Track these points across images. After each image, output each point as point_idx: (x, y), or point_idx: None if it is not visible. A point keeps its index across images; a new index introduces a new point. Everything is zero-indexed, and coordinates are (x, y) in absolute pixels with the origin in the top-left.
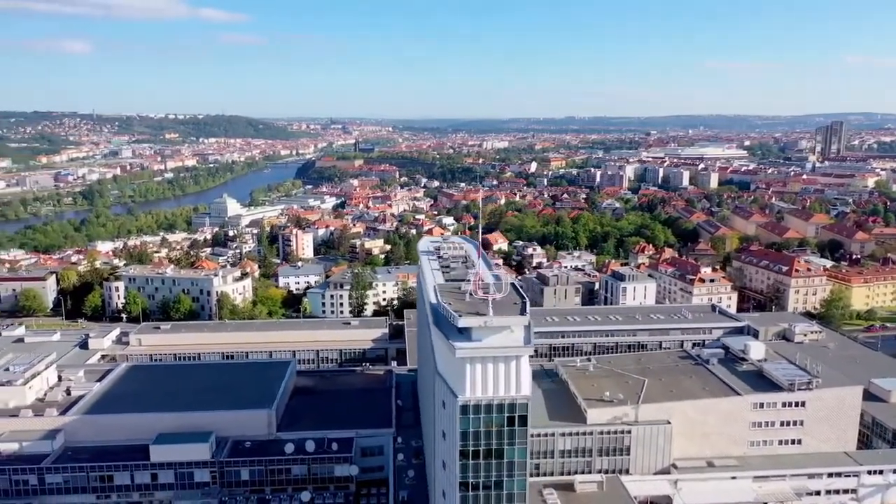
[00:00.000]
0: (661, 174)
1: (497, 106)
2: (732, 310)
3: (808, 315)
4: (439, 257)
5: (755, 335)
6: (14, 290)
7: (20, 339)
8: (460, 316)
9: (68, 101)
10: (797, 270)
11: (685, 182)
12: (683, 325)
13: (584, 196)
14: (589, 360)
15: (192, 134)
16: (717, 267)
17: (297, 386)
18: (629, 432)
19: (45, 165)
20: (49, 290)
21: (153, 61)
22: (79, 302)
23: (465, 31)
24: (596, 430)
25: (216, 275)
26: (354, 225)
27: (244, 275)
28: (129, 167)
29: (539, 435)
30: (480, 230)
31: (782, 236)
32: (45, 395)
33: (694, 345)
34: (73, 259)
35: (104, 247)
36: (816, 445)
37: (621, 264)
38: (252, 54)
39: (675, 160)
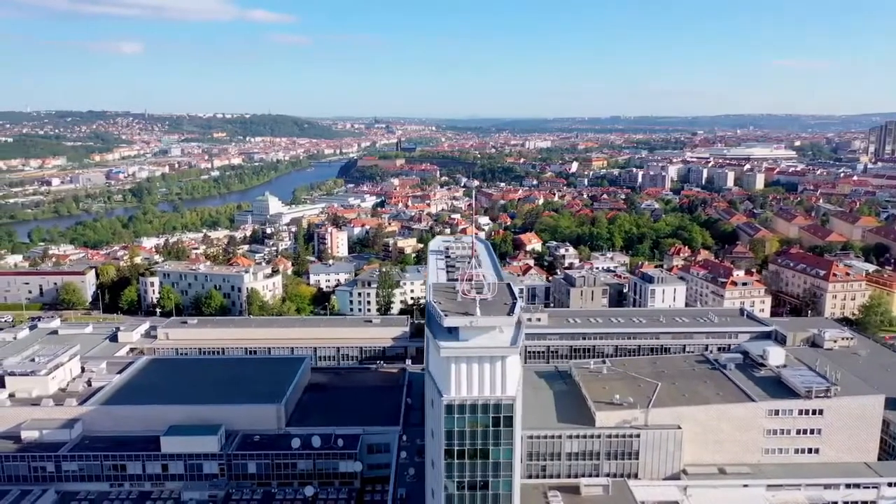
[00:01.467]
0: (705, 175)
1: (541, 105)
2: (766, 314)
3: (846, 321)
4: (447, 257)
5: (783, 341)
6: (55, 283)
7: (54, 332)
8: (446, 315)
9: (122, 100)
10: (835, 275)
11: (730, 183)
12: (708, 328)
13: (623, 196)
14: (604, 362)
15: (240, 133)
16: (754, 270)
17: (311, 382)
18: (638, 436)
19: (98, 163)
20: (88, 285)
21: (203, 62)
22: (116, 296)
23: (510, 31)
24: (604, 433)
25: (247, 271)
26: (390, 224)
27: (275, 272)
28: (177, 165)
29: (545, 436)
30: (475, 229)
31: (825, 239)
32: (67, 385)
33: (719, 349)
34: (119, 255)
35: (149, 243)
36: (835, 455)
37: (655, 266)
38: (299, 54)
39: (721, 160)
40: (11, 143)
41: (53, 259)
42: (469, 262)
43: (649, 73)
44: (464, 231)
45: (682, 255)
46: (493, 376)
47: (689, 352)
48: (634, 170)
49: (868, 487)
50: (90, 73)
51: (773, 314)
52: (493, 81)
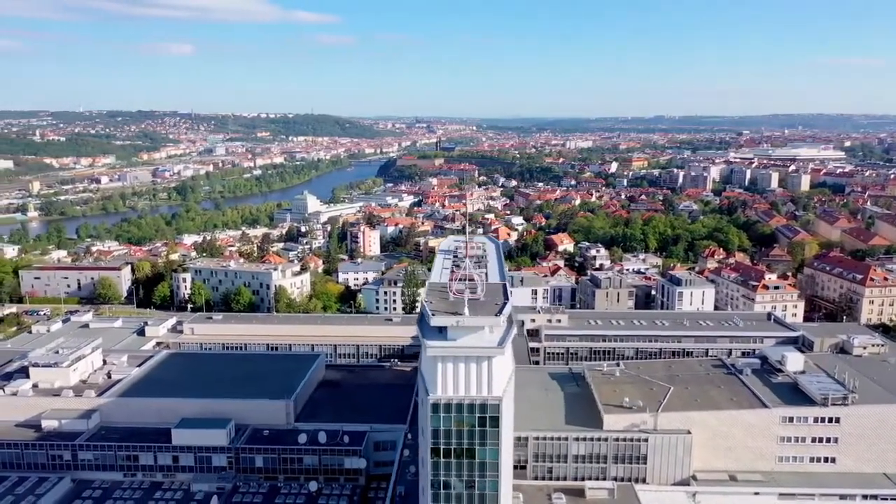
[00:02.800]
0: (748, 176)
1: (584, 105)
2: (798, 319)
3: (884, 328)
4: (455, 256)
5: (810, 346)
6: (92, 278)
7: (85, 325)
8: (434, 314)
9: (170, 101)
10: (872, 279)
11: (774, 184)
12: (732, 333)
13: (661, 197)
14: (618, 364)
15: (282, 132)
16: (790, 274)
17: (325, 379)
18: (646, 440)
19: (146, 162)
20: (124, 280)
21: (248, 62)
22: (150, 292)
23: (553, 30)
24: (611, 436)
25: (275, 269)
26: (423, 223)
27: (303, 269)
28: (221, 164)
29: (552, 438)
30: (467, 229)
31: (868, 243)
32: (89, 377)
33: (742, 354)
34: (160, 251)
35: (189, 240)
36: (852, 465)
37: (687, 269)
38: (341, 54)
39: (765, 161)
40: (64, 142)
41: (95, 255)
42: (482, 262)
43: (695, 71)
44: (496, 231)
45: (716, 257)
46: (479, 376)
47: (711, 356)
48: (675, 170)
49: (887, 499)
50: (140, 74)
51: (806, 319)
52: (535, 81)
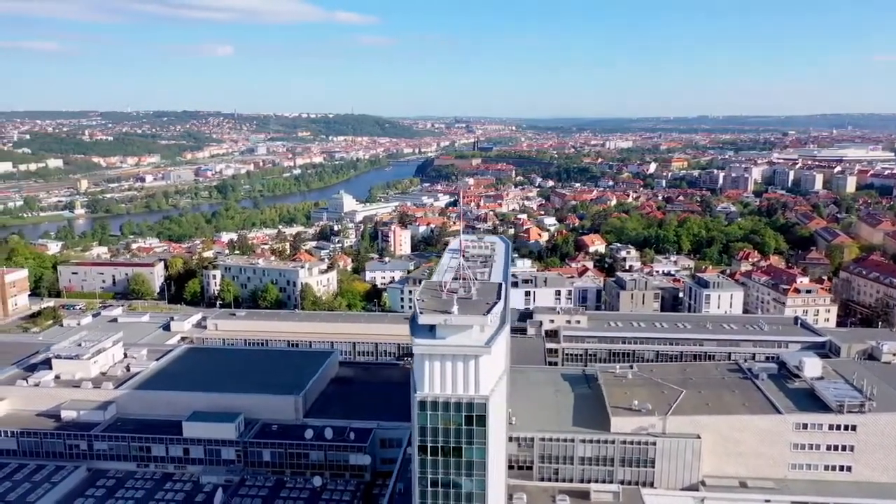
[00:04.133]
0: (791, 177)
1: (625, 105)
2: (830, 324)
3: None
4: (462, 255)
5: (836, 352)
6: (126, 274)
7: (114, 319)
8: (421, 312)
9: (214, 101)
10: None
11: (818, 186)
12: (756, 337)
13: (699, 199)
14: (631, 367)
15: (323, 132)
16: (826, 278)
17: (338, 376)
18: (654, 444)
19: (189, 161)
20: (156, 276)
21: (290, 63)
22: (181, 288)
23: (593, 29)
24: (618, 439)
25: (302, 267)
26: (455, 223)
27: (330, 268)
28: (261, 163)
29: (558, 439)
30: (462, 229)
31: None
32: (108, 369)
33: (767, 358)
34: (198, 248)
35: (226, 237)
36: (869, 474)
37: (719, 271)
38: (382, 55)
39: (810, 162)
40: (112, 141)
41: (132, 251)
42: (488, 262)
43: (739, 70)
44: (527, 232)
45: (750, 259)
46: (466, 375)
47: (733, 360)
48: (716, 171)
49: None
50: (186, 76)
51: (840, 324)
52: (576, 81)
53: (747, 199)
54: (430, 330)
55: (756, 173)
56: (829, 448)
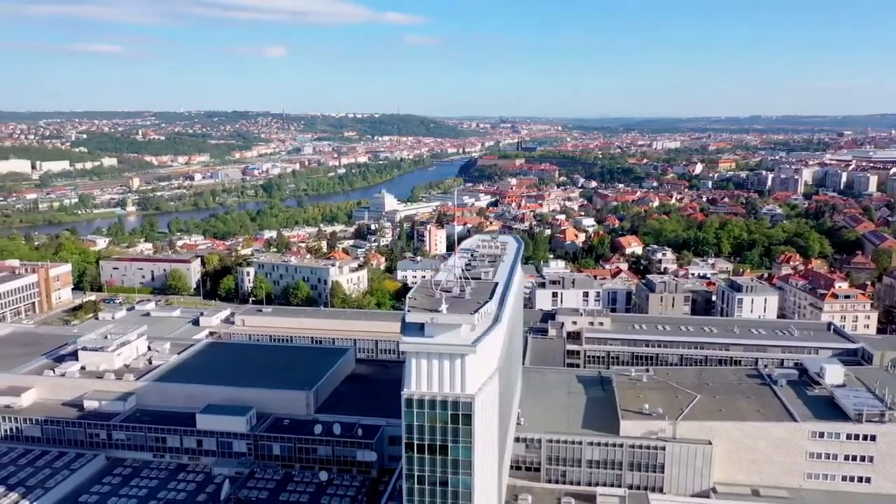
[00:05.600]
0: (843, 179)
1: (674, 105)
2: (870, 331)
3: None
4: (472, 254)
5: (869, 359)
6: (165, 270)
7: (147, 314)
8: (409, 310)
9: (263, 101)
10: None
11: (871, 188)
12: (785, 342)
13: (744, 200)
14: (647, 370)
15: (369, 132)
16: (871, 283)
17: (353, 373)
18: (663, 448)
19: (237, 160)
20: (193, 272)
21: (337, 64)
22: (217, 284)
23: (642, 28)
24: (627, 442)
25: (333, 265)
26: (492, 223)
27: (360, 266)
28: (307, 163)
29: (565, 441)
30: (456, 228)
31: None
32: (131, 362)
33: (795, 364)
34: (240, 245)
35: (268, 235)
36: (890, 487)
37: (758, 275)
38: (429, 55)
39: (864, 163)
40: (164, 140)
41: (174, 248)
42: (496, 261)
43: (794, 68)
44: (563, 233)
45: (791, 263)
46: (452, 374)
47: (753, 366)
48: (764, 172)
49: None
50: (237, 76)
51: (880, 331)
52: (624, 80)
53: (795, 201)
54: (420, 328)
55: (807, 175)
56: (846, 458)
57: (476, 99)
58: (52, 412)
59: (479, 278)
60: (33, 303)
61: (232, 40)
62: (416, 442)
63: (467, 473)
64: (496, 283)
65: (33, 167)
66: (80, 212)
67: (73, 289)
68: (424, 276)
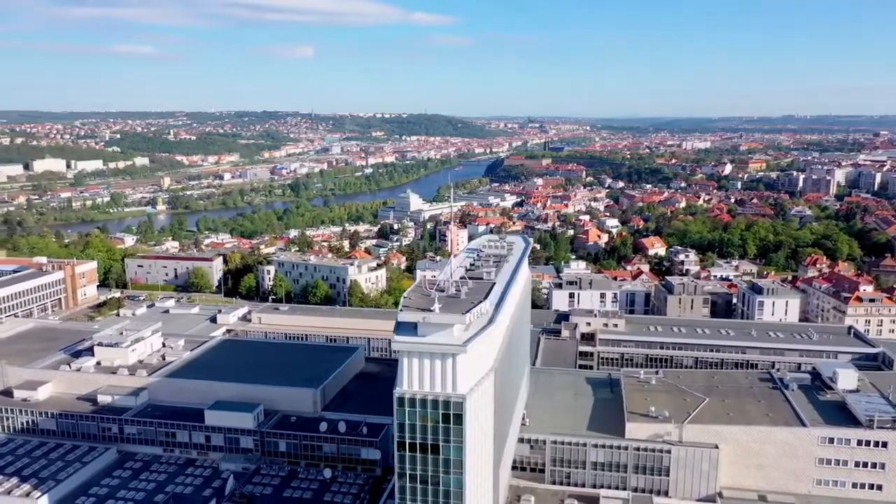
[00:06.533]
0: (877, 179)
1: (705, 105)
2: None
3: None
4: (477, 254)
5: (890, 364)
6: (187, 268)
7: (166, 311)
8: (402, 309)
9: (293, 101)
10: None
11: None
12: (803, 346)
13: (772, 201)
14: (656, 372)
15: (396, 132)
16: None
17: (363, 371)
18: (668, 452)
19: (266, 160)
20: (215, 270)
21: (366, 64)
22: (238, 282)
23: (672, 27)
24: (632, 445)
25: (352, 264)
26: (514, 223)
27: (379, 266)
28: (335, 162)
29: (569, 443)
30: (453, 227)
31: None
32: (145, 358)
33: (814, 369)
34: (265, 244)
35: (293, 234)
36: None
37: (783, 278)
38: (457, 55)
39: None
40: (195, 140)
41: (199, 246)
42: (501, 262)
43: (828, 67)
44: (586, 233)
45: (818, 266)
46: (443, 373)
47: (765, 369)
48: (795, 173)
49: None
50: (268, 76)
51: None
52: (654, 80)
53: (826, 202)
54: (413, 328)
55: (839, 175)
56: (856, 465)
57: (504, 99)
58: (67, 406)
59: (481, 278)
60: (59, 299)
61: (262, 41)
62: (407, 441)
63: (459, 473)
64: (493, 284)
65: (68, 166)
66: (111, 210)
67: (98, 286)
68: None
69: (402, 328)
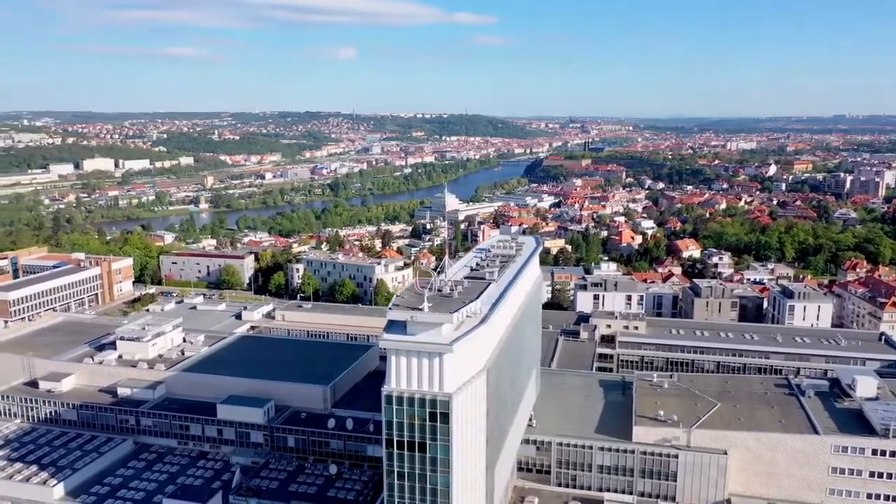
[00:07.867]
0: None
1: (752, 104)
2: None
3: None
4: (485, 254)
5: None
6: (220, 265)
7: (194, 307)
8: (391, 308)
9: (335, 102)
10: None
11: None
12: (830, 352)
13: (815, 203)
14: (671, 376)
15: (436, 132)
16: None
17: (376, 369)
18: (676, 457)
19: (307, 160)
20: (246, 268)
21: (407, 64)
22: (269, 280)
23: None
24: (639, 449)
25: (378, 263)
26: (548, 224)
27: (406, 265)
28: (374, 162)
29: (575, 445)
30: (448, 231)
31: None
32: (165, 352)
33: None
34: (299, 242)
35: (328, 233)
36: None
37: (819, 283)
38: (498, 55)
39: None
40: (238, 140)
41: (234, 244)
42: (507, 262)
43: (881, 65)
44: (619, 235)
45: (858, 270)
46: (430, 372)
47: (805, 376)
48: (843, 174)
49: None
50: (310, 77)
51: None
52: (699, 79)
53: (874, 205)
54: (403, 326)
55: (889, 177)
56: (871, 475)
57: (545, 99)
58: (88, 398)
59: (483, 278)
60: (96, 294)
61: (305, 42)
62: (395, 438)
63: (445, 472)
64: (489, 283)
65: (116, 165)
66: (156, 209)
67: (134, 282)
68: None
69: (391, 326)
